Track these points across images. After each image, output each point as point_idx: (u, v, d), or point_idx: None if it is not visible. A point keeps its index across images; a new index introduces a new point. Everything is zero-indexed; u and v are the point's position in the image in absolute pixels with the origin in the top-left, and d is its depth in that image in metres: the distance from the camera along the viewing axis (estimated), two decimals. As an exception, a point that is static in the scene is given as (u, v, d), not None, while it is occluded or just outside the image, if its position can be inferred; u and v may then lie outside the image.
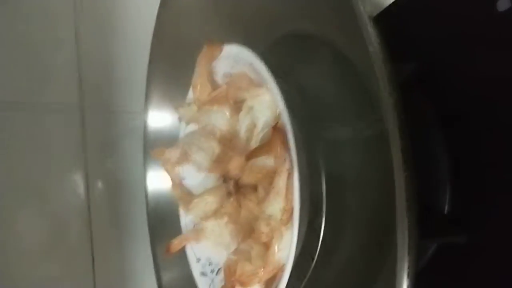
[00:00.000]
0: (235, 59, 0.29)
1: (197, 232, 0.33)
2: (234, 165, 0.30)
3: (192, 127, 0.35)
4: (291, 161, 0.23)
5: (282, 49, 0.32)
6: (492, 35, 0.27)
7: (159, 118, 0.40)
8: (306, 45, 0.31)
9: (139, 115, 0.43)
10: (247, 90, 0.28)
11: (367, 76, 0.26)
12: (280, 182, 0.23)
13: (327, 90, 0.29)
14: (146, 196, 0.43)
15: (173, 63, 0.36)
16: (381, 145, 0.25)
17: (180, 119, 0.36)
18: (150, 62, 0.39)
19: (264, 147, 0.25)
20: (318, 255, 0.28)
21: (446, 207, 0.31)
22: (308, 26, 0.30)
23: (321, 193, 0.26)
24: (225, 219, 0.30)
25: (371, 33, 0.21)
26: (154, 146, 0.38)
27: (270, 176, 0.26)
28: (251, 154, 0.26)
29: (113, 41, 0.47)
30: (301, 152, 0.23)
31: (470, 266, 0.28)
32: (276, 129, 0.23)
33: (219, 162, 0.33)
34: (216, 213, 0.32)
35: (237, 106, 0.30)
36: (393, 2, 0.32)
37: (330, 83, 0.29)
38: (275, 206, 0.24)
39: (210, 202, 0.33)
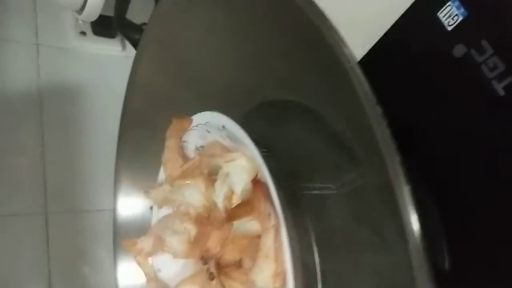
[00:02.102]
0: (206, 128, 0.28)
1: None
2: (214, 241, 0.27)
3: (165, 210, 0.33)
4: (276, 216, 0.21)
5: (258, 115, 0.32)
6: (450, 81, 0.28)
7: (129, 208, 0.37)
8: (284, 111, 0.31)
9: (108, 212, 0.40)
10: (221, 157, 0.27)
11: (347, 135, 0.25)
12: (268, 242, 0.21)
13: (305, 150, 0.28)
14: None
15: (141, 147, 0.35)
16: (371, 198, 0.24)
17: (151, 204, 0.34)
18: (118, 152, 0.38)
19: (245, 206, 0.23)
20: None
21: (446, 263, 0.28)
22: (288, 96, 0.30)
23: (313, 252, 0.23)
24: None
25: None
26: (126, 238, 0.35)
27: (256, 243, 0.23)
28: (231, 216, 0.24)
29: (78, 142, 0.46)
30: (286, 206, 0.21)
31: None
32: (257, 182, 0.22)
33: (196, 243, 0.30)
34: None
35: (212, 178, 0.28)
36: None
37: (309, 143, 0.29)
38: (265, 273, 0.21)
39: (190, 292, 0.30)
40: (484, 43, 0.26)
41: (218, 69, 0.31)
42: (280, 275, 0.21)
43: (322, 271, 0.24)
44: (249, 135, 0.24)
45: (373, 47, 0.32)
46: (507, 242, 0.26)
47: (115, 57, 0.49)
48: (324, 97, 0.27)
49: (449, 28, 0.28)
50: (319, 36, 0.18)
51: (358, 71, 0.18)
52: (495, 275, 0.27)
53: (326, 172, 0.27)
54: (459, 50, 0.28)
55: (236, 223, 0.24)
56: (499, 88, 0.26)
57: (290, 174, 0.27)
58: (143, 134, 0.34)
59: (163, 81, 0.33)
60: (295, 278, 0.20)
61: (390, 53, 0.32)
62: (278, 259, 0.21)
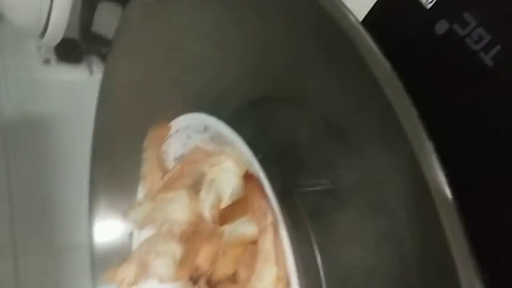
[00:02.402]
0: (187, 134, 0.26)
1: None
2: (204, 256, 0.24)
3: (147, 232, 0.30)
4: (273, 212, 0.18)
5: (246, 114, 0.29)
6: (436, 60, 0.27)
7: (108, 235, 0.34)
8: (274, 107, 0.29)
9: (84, 245, 0.37)
10: (204, 162, 0.24)
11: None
12: (266, 243, 0.18)
13: (299, 145, 0.26)
14: None
15: (118, 167, 0.32)
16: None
17: (131, 230, 0.31)
18: (92, 176, 0.35)
19: (237, 206, 0.20)
20: None
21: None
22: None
23: (314, 254, 0.21)
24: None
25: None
26: (105, 269, 0.31)
27: (252, 250, 0.21)
28: (223, 219, 0.21)
29: (47, 174, 0.43)
30: (283, 200, 0.19)
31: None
32: (249, 177, 0.19)
33: (184, 263, 0.27)
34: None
35: (197, 188, 0.26)
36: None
37: (301, 139, 0.27)
38: (266, 279, 0.19)
39: (181, 319, 0.27)
40: (466, 15, 0.25)
41: (200, 70, 0.29)
42: (282, 279, 0.18)
43: (326, 274, 0.22)
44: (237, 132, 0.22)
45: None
46: None
47: (82, 83, 0.47)
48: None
49: (428, 6, 0.27)
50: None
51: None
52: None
53: (321, 167, 0.25)
54: (441, 26, 0.26)
55: (229, 230, 0.22)
56: (487, 59, 0.25)
57: (283, 171, 0.25)
58: (119, 152, 0.32)
59: (137, 91, 0.30)
60: (300, 281, 0.18)
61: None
62: (279, 261, 0.18)
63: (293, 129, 0.26)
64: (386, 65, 0.17)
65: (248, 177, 0.19)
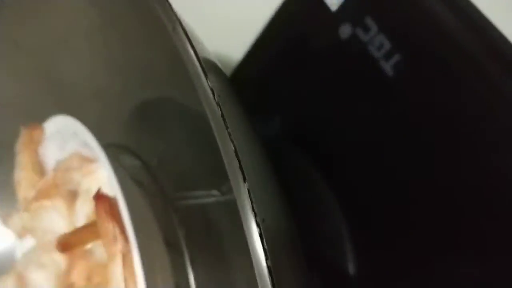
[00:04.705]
0: (62, 136, 0.23)
1: None
2: (78, 272, 0.22)
3: (30, 242, 0.27)
4: (125, 238, 0.16)
5: (136, 121, 0.27)
6: (340, 66, 0.26)
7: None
8: (161, 112, 0.27)
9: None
10: (78, 170, 0.22)
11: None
12: (116, 271, 0.16)
13: (181, 158, 0.24)
14: None
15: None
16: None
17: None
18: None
19: (90, 228, 0.18)
20: None
21: (350, 267, 0.26)
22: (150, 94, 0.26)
23: (186, 271, 0.19)
24: None
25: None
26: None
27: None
28: (76, 240, 0.19)
29: None
30: (141, 222, 0.17)
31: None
32: (100, 197, 0.17)
33: (66, 277, 0.25)
34: None
35: (73, 195, 0.24)
36: (243, 59, 0.30)
37: (184, 150, 0.25)
38: (119, 309, 0.17)
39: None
40: (368, 20, 0.24)
41: (86, 74, 0.27)
42: (135, 310, 0.16)
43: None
44: (104, 141, 0.20)
45: (254, 45, 0.29)
46: (404, 238, 0.24)
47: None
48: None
49: (333, 9, 0.26)
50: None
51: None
52: (400, 274, 0.24)
53: (207, 178, 0.23)
54: (345, 30, 0.25)
55: (93, 248, 0.20)
56: (388, 67, 0.24)
57: (167, 184, 0.23)
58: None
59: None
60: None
61: (275, 48, 0.29)
62: (130, 289, 0.16)
63: (180, 136, 0.24)
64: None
65: (99, 198, 0.17)
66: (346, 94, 0.26)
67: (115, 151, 0.22)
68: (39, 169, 0.25)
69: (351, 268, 0.25)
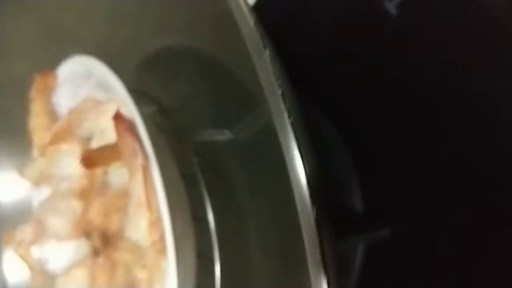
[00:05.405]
0: (75, 82, 0.24)
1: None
2: (96, 210, 0.23)
3: (47, 191, 0.28)
4: (144, 152, 0.17)
5: (147, 69, 0.28)
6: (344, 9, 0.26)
7: (10, 195, 0.32)
8: (174, 59, 0.27)
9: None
10: (93, 111, 0.23)
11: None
12: (137, 186, 0.17)
13: (198, 98, 0.25)
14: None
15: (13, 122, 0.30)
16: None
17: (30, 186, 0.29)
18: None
19: (112, 148, 0.19)
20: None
21: (359, 204, 0.26)
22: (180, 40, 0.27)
23: (204, 204, 0.20)
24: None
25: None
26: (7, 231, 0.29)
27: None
28: (96, 157, 0.19)
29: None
30: (158, 138, 0.17)
31: (400, 257, 0.24)
32: (118, 115, 0.18)
33: (81, 219, 0.26)
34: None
35: (88, 140, 0.24)
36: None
37: (202, 91, 0.25)
38: (141, 226, 0.18)
39: (80, 277, 0.25)
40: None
41: (91, 26, 0.27)
42: (156, 224, 0.17)
43: (218, 229, 0.21)
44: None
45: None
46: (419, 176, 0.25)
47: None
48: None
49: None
50: None
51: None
52: (409, 210, 0.25)
53: (221, 118, 0.24)
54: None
55: (111, 178, 0.20)
56: (392, 7, 0.25)
57: (181, 123, 0.24)
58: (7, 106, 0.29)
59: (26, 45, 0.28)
60: (174, 224, 0.17)
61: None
62: (151, 205, 0.17)
63: (193, 80, 0.24)
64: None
65: (118, 118, 0.18)
66: (352, 36, 0.27)
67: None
68: (52, 116, 0.25)
69: (359, 205, 0.26)
